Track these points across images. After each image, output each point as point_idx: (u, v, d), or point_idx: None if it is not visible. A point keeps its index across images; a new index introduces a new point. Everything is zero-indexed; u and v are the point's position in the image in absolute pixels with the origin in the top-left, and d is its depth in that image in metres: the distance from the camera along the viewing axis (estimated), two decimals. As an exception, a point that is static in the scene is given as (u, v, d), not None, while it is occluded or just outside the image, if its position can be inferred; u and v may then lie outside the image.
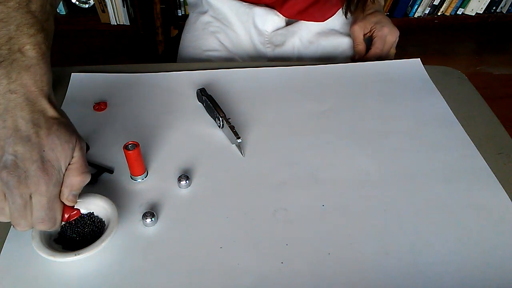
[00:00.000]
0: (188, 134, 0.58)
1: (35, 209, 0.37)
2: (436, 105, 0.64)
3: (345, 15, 0.83)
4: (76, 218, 0.42)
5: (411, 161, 0.55)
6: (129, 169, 0.50)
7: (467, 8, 2.13)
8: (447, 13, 2.14)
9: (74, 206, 0.41)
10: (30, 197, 0.37)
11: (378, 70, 0.71)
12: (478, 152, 0.56)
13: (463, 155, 0.56)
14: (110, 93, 0.63)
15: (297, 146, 0.57)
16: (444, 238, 0.46)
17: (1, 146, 0.36)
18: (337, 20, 0.85)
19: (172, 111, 0.61)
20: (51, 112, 0.38)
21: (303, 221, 0.48)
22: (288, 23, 0.84)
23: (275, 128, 0.59)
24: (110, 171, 0.52)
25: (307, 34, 0.84)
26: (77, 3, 1.99)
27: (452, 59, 2.04)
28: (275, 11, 0.81)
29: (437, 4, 2.09)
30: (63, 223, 0.42)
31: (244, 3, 0.82)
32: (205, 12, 0.86)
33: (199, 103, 0.62)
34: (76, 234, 0.44)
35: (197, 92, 0.62)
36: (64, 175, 0.39)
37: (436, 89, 0.67)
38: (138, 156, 0.49)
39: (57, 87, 0.61)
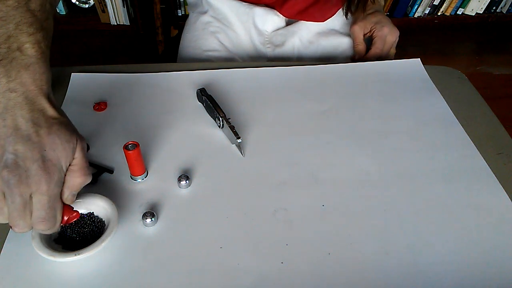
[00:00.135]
0: (188, 134, 0.58)
1: (36, 208, 0.37)
2: (436, 105, 0.64)
3: (346, 16, 0.83)
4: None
5: (411, 161, 0.55)
6: (129, 169, 0.50)
7: (467, 8, 2.13)
8: (447, 13, 2.14)
9: (73, 207, 0.41)
10: (30, 197, 0.37)
11: (378, 70, 0.71)
12: (478, 152, 0.56)
13: (463, 155, 0.56)
14: (110, 93, 0.63)
15: (297, 146, 0.57)
16: (444, 238, 0.46)
17: (1, 145, 0.36)
18: (337, 20, 0.85)
19: (172, 111, 0.61)
20: (50, 111, 0.38)
21: (303, 221, 0.48)
22: (288, 23, 0.84)
23: (275, 128, 0.59)
24: (110, 171, 0.52)
25: (307, 34, 0.84)
26: (77, 3, 1.99)
27: (452, 59, 2.04)
28: (275, 11, 0.81)
29: (437, 4, 2.09)
30: (62, 225, 0.42)
31: (244, 3, 0.82)
32: (205, 12, 0.86)
33: (199, 103, 0.62)
34: (76, 234, 0.44)
35: (197, 92, 0.62)
36: (65, 175, 0.39)
37: (436, 89, 0.67)
38: (138, 156, 0.49)
39: (57, 87, 0.61)
